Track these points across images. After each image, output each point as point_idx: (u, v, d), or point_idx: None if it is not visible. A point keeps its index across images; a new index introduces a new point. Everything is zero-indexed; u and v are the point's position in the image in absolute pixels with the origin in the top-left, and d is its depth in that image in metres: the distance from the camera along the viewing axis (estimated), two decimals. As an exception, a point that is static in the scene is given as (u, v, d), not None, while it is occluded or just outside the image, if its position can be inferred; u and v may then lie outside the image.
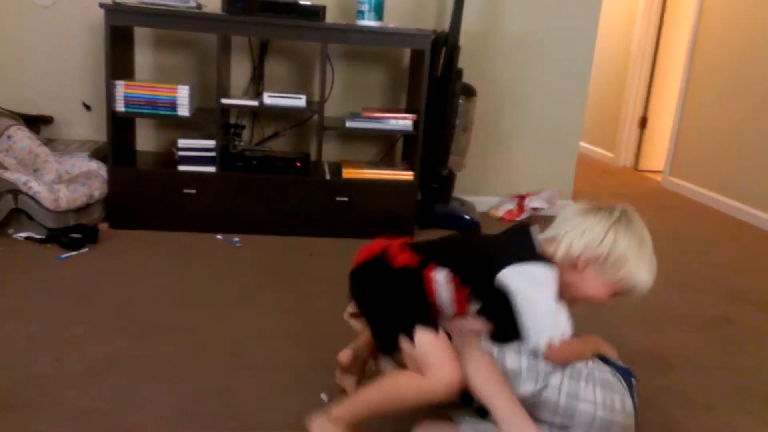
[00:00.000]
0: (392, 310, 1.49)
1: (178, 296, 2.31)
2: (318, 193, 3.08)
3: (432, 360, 1.39)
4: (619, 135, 5.76)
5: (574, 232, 1.47)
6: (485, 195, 3.77)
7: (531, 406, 1.43)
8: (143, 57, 3.29)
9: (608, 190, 4.77)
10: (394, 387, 1.45)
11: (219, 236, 2.97)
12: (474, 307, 1.50)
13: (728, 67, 4.36)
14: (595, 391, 1.45)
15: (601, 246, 1.45)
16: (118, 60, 2.95)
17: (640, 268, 1.48)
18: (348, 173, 3.11)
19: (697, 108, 4.68)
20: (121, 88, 2.90)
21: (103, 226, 2.95)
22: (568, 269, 1.48)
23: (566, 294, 1.48)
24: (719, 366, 2.09)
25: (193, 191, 2.98)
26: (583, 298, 1.51)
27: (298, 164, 3.09)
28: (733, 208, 4.21)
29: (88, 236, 2.74)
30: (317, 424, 1.47)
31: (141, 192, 2.98)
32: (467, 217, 3.38)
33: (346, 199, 3.06)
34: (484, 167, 3.74)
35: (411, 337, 1.42)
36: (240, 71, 3.37)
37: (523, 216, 3.63)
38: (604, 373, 1.49)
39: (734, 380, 1.99)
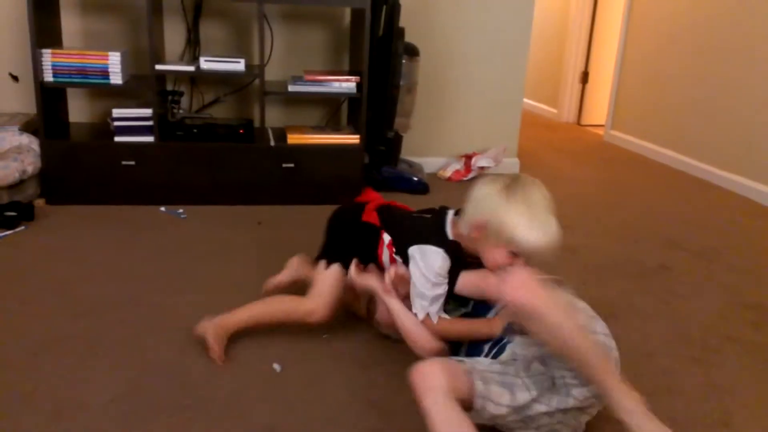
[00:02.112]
0: (338, 245, 1.88)
1: (122, 272, 2.26)
2: (263, 160, 3.02)
3: (316, 290, 1.81)
4: (561, 91, 5.83)
5: (470, 204, 1.61)
6: (432, 156, 3.78)
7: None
8: (70, 23, 3.13)
9: (552, 145, 4.85)
10: (274, 303, 1.84)
11: (162, 208, 2.90)
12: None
13: (664, 22, 4.43)
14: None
15: (484, 213, 1.55)
16: (44, 27, 2.80)
17: (522, 230, 1.51)
18: (293, 139, 3.06)
19: (636, 62, 4.76)
20: (48, 56, 2.76)
21: (39, 203, 2.84)
22: (473, 240, 1.60)
23: (484, 261, 1.61)
24: (658, 313, 2.17)
25: (132, 162, 2.89)
26: (492, 266, 1.59)
27: (242, 131, 3.02)
28: (670, 159, 4.34)
29: (24, 214, 2.64)
30: (207, 327, 1.76)
31: (77, 165, 2.87)
32: (415, 178, 3.39)
33: (292, 165, 3.02)
34: (429, 128, 3.74)
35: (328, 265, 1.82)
36: (174, 35, 3.25)
37: (471, 175, 3.66)
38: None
39: (673, 327, 2.08)
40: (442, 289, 1.65)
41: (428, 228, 1.71)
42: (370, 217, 1.84)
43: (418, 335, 1.64)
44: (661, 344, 1.96)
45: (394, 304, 1.69)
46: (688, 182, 3.97)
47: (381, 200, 1.94)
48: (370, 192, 1.99)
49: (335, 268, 1.83)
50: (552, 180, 3.87)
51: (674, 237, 2.93)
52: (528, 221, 1.52)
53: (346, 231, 1.91)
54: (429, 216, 1.77)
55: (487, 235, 1.56)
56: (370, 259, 1.84)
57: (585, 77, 5.67)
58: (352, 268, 1.79)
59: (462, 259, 1.66)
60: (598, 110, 5.62)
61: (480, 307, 1.68)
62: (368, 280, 1.76)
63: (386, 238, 1.79)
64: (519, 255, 1.55)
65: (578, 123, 5.77)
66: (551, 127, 5.60)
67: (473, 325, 1.65)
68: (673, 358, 1.88)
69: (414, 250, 1.66)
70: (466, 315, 1.72)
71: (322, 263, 1.85)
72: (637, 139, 4.73)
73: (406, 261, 1.70)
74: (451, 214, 1.72)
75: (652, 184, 3.91)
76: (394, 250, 1.76)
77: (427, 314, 1.64)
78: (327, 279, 1.83)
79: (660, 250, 2.77)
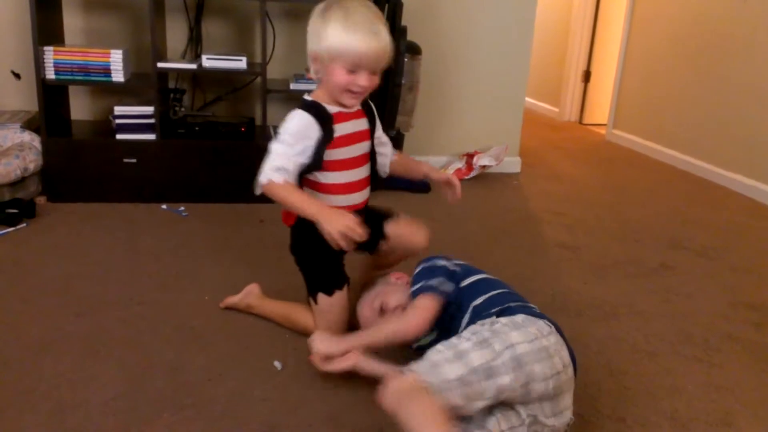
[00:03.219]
0: (305, 272, 1.82)
1: (123, 270, 2.26)
2: (265, 158, 3.01)
3: (318, 323, 1.78)
4: (563, 90, 5.82)
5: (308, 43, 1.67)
6: (434, 154, 3.77)
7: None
8: (72, 20, 3.13)
9: (553, 144, 4.84)
10: (293, 318, 1.86)
11: (164, 206, 2.90)
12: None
13: (667, 21, 4.42)
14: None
15: (312, 41, 1.65)
16: (46, 24, 2.79)
17: (337, 34, 1.58)
18: (294, 137, 3.05)
19: (638, 61, 4.75)
20: (50, 54, 2.76)
21: (41, 200, 2.84)
22: (316, 77, 1.68)
23: (332, 92, 1.67)
24: (660, 312, 2.17)
25: (134, 160, 2.89)
26: (337, 88, 1.64)
27: (243, 129, 3.02)
28: (673, 158, 4.33)
29: (25, 211, 2.64)
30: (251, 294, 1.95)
31: (78, 163, 2.87)
32: (416, 176, 3.38)
33: (293, 163, 3.01)
34: (431, 126, 3.73)
35: (315, 298, 1.78)
36: (176, 33, 3.24)
37: (473, 174, 3.66)
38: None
39: (675, 326, 2.07)
40: (294, 151, 1.63)
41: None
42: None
43: (397, 331, 1.57)
44: (663, 344, 1.95)
45: (370, 365, 1.57)
46: (690, 182, 3.96)
47: None
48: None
49: (335, 297, 1.76)
50: (553, 179, 3.86)
51: (676, 236, 2.93)
52: (342, 26, 1.57)
53: (302, 260, 1.82)
54: None
55: (319, 59, 1.62)
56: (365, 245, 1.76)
57: (587, 76, 5.66)
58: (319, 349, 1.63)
59: (325, 112, 1.67)
60: (600, 109, 5.60)
61: (453, 320, 1.60)
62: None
63: None
64: (352, 67, 1.59)
65: (580, 122, 5.77)
66: (553, 126, 5.59)
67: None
68: (675, 358, 1.88)
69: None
70: (432, 342, 1.59)
71: (320, 297, 1.77)
72: (639, 139, 4.72)
73: None
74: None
75: (654, 183, 3.90)
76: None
77: (270, 179, 1.61)
78: (329, 311, 1.77)
79: (662, 249, 2.76)
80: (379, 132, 1.86)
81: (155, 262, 2.33)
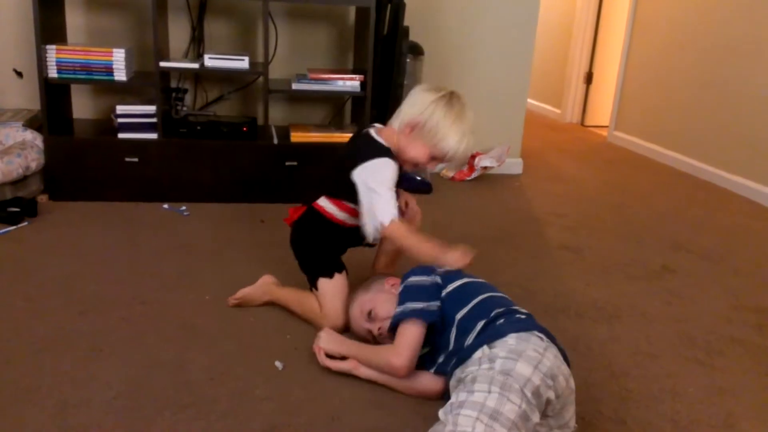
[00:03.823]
0: (304, 262, 1.94)
1: (125, 269, 2.26)
2: (266, 158, 3.02)
3: (326, 307, 1.86)
4: (565, 91, 5.82)
5: (407, 104, 1.80)
6: (435, 155, 3.77)
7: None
8: (75, 19, 3.13)
9: (555, 145, 4.84)
10: (305, 303, 1.93)
11: (165, 205, 2.90)
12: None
13: (670, 23, 4.42)
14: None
15: (422, 114, 1.74)
16: (48, 23, 2.80)
17: (450, 137, 1.74)
18: (296, 137, 3.06)
19: (641, 63, 4.75)
20: (52, 52, 2.76)
21: (42, 199, 2.84)
22: (401, 136, 1.79)
23: (402, 155, 1.79)
24: (662, 315, 2.16)
25: (135, 159, 2.89)
26: (410, 160, 1.79)
27: (245, 129, 3.02)
28: (675, 160, 4.33)
29: (27, 209, 2.64)
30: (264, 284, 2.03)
31: (80, 162, 2.87)
32: (418, 178, 3.38)
33: (295, 163, 3.02)
34: (433, 127, 3.72)
35: (315, 284, 1.88)
36: (178, 32, 3.24)
37: (474, 175, 3.66)
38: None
39: (677, 328, 2.07)
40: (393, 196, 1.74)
41: (361, 150, 1.80)
42: (293, 213, 1.93)
43: (385, 369, 1.60)
44: (665, 346, 1.95)
45: (373, 375, 1.64)
46: (692, 184, 3.96)
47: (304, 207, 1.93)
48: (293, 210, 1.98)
49: (336, 278, 1.87)
50: (555, 180, 3.86)
51: (678, 239, 2.93)
52: (460, 135, 1.74)
53: (299, 248, 1.94)
54: (352, 143, 1.91)
55: (419, 134, 1.75)
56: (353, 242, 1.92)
57: (589, 78, 5.66)
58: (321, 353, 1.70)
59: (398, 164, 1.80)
60: (602, 111, 5.60)
61: (441, 336, 1.59)
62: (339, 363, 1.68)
63: (321, 202, 1.85)
64: (437, 158, 1.78)
65: (582, 124, 5.76)
66: (555, 128, 5.59)
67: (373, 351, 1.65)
68: (677, 360, 1.88)
69: (359, 172, 1.74)
70: (424, 356, 1.64)
71: (321, 281, 1.87)
72: (641, 141, 4.72)
73: (348, 193, 1.76)
74: (373, 128, 1.87)
75: (656, 185, 3.90)
76: (334, 197, 1.83)
77: (392, 218, 1.69)
78: (331, 293, 1.86)
79: (664, 252, 2.76)
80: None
81: (157, 261, 2.33)
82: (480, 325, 1.50)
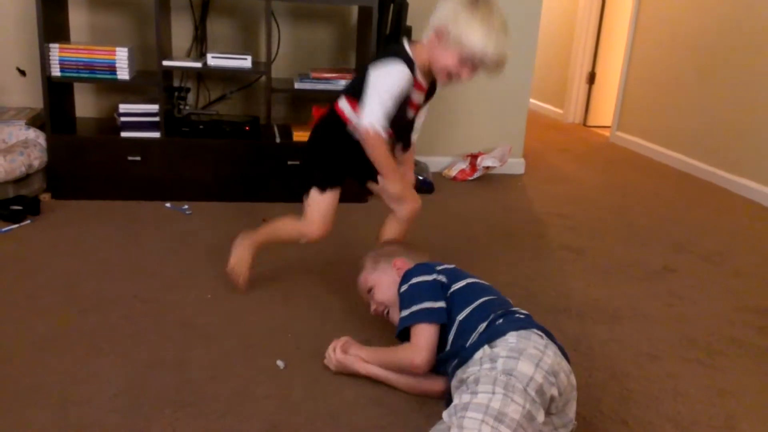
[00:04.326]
0: (308, 166, 2.00)
1: (126, 267, 2.26)
2: (269, 157, 3.02)
3: (307, 214, 1.94)
4: (568, 92, 5.82)
5: (434, 16, 1.78)
6: (438, 155, 3.78)
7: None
8: (78, 18, 3.13)
9: (557, 146, 4.84)
10: (281, 224, 2.03)
11: (167, 204, 2.90)
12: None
13: (672, 24, 4.42)
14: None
15: (445, 18, 1.71)
16: (52, 22, 2.80)
17: (475, 34, 1.68)
18: (299, 136, 3.06)
19: (643, 64, 4.75)
20: (56, 51, 2.77)
21: (45, 197, 2.85)
22: (430, 47, 1.77)
23: (434, 67, 1.78)
24: (664, 316, 2.16)
25: (138, 158, 2.89)
26: (441, 69, 1.76)
27: (247, 128, 3.02)
28: (677, 161, 4.33)
29: (30, 208, 2.64)
30: (237, 244, 2.07)
31: (83, 160, 2.88)
32: (420, 177, 3.38)
33: (297, 162, 3.02)
34: (436, 127, 3.73)
35: (308, 192, 1.94)
36: (181, 31, 3.25)
37: (476, 175, 3.66)
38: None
39: (678, 329, 2.07)
40: (393, 104, 1.75)
41: (385, 52, 1.82)
42: (317, 113, 2.01)
43: (404, 368, 1.58)
44: (667, 347, 1.95)
45: (375, 371, 1.63)
46: (694, 185, 3.95)
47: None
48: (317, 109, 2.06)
49: (326, 194, 1.93)
50: (557, 181, 3.86)
51: (680, 240, 2.92)
52: (486, 33, 1.67)
53: (327, 149, 1.97)
54: (383, 47, 1.92)
55: (446, 40, 1.71)
56: (364, 173, 1.96)
57: (592, 78, 5.66)
58: (334, 352, 1.68)
59: (412, 76, 1.79)
60: (605, 111, 5.60)
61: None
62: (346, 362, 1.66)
63: (340, 103, 1.88)
64: (467, 62, 1.71)
65: (584, 124, 5.76)
66: (557, 128, 5.59)
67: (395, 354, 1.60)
68: (678, 361, 1.87)
69: (371, 71, 1.76)
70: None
71: (313, 192, 1.93)
72: (644, 141, 4.72)
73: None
74: (407, 40, 1.86)
75: (658, 186, 3.90)
76: (352, 98, 1.84)
77: (374, 123, 1.73)
78: (317, 205, 1.93)
79: (665, 252, 2.76)
80: (425, 109, 2.00)
81: (158, 260, 2.33)
82: (481, 327, 1.49)
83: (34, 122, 2.95)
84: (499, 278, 2.33)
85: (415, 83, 1.82)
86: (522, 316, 1.52)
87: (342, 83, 3.05)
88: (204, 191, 2.98)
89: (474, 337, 1.48)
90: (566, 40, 5.79)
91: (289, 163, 3.01)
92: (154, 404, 1.52)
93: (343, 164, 1.98)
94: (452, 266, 1.70)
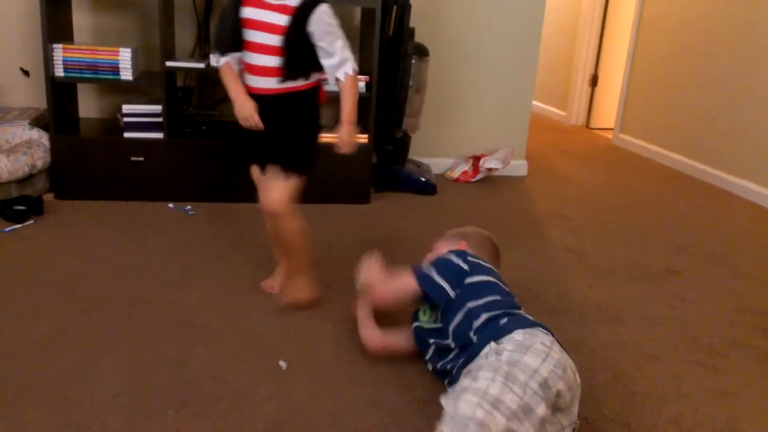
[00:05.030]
0: (304, 142, 2.00)
1: (129, 267, 2.26)
2: (271, 157, 3.02)
3: (289, 201, 1.93)
4: (570, 94, 5.81)
5: None
6: (441, 156, 3.77)
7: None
8: (81, 18, 3.14)
9: (560, 147, 4.84)
10: (294, 240, 1.98)
11: (170, 205, 2.90)
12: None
13: (675, 26, 4.41)
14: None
15: None
16: (55, 22, 2.81)
17: None
18: (301, 137, 3.05)
19: (646, 66, 4.74)
20: (59, 51, 2.78)
21: (48, 197, 2.85)
22: None
23: None
24: (665, 317, 2.16)
25: (141, 159, 2.90)
26: None
27: (250, 129, 3.02)
28: (679, 163, 4.32)
29: (33, 208, 2.65)
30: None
31: (86, 161, 2.88)
32: (423, 179, 3.39)
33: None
34: (438, 128, 3.73)
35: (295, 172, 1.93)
36: (185, 32, 3.26)
37: (479, 176, 3.66)
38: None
39: (680, 331, 2.07)
40: (225, 24, 1.87)
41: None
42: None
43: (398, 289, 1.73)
44: (669, 349, 1.95)
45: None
46: (696, 187, 3.95)
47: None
48: None
49: (301, 182, 1.94)
50: (559, 182, 3.86)
51: (682, 241, 2.92)
52: None
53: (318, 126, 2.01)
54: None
55: None
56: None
57: (594, 80, 5.65)
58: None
59: None
60: (607, 113, 5.59)
61: (447, 312, 1.63)
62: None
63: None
64: None
65: (587, 126, 5.76)
66: (560, 130, 5.59)
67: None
68: (681, 363, 1.87)
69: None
70: (431, 330, 1.68)
71: (299, 178, 1.94)
72: (646, 143, 4.71)
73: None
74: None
75: (661, 188, 3.89)
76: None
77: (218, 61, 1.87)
78: (292, 191, 1.92)
79: (668, 254, 2.75)
80: (325, 43, 1.86)
81: (161, 260, 2.34)
82: (484, 317, 1.52)
83: (38, 122, 2.96)
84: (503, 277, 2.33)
85: (247, 1, 1.84)
86: (529, 318, 1.53)
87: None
88: (207, 192, 2.98)
89: (477, 323, 1.51)
90: (569, 43, 5.79)
91: (292, 163, 3.01)
92: (157, 404, 1.52)
93: None
94: (489, 267, 1.74)
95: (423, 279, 1.67)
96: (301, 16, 1.81)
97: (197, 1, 3.22)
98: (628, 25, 5.16)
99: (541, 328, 1.46)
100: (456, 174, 3.69)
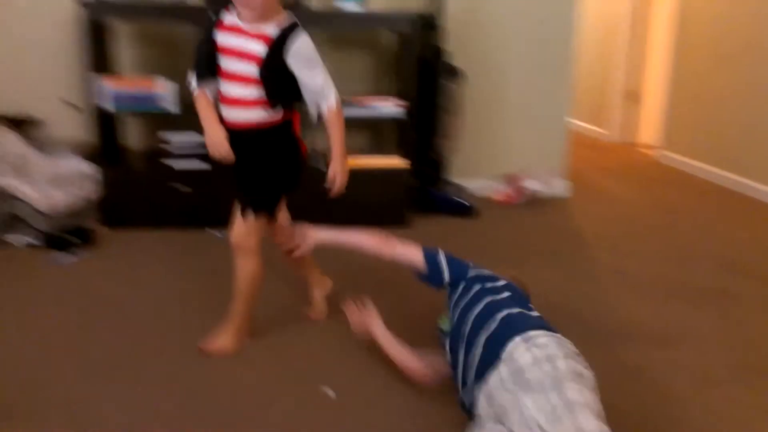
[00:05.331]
0: (271, 177, 1.92)
1: (178, 294, 2.30)
2: (311, 183, 3.04)
3: (250, 239, 1.87)
4: (610, 111, 5.75)
5: None
6: (479, 177, 3.76)
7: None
8: (126, 52, 3.25)
9: (602, 166, 4.77)
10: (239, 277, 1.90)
11: (217, 233, 2.95)
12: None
13: (716, 40, 4.33)
14: None
15: None
16: (100, 55, 2.91)
17: None
18: (341, 162, 3.08)
19: (687, 81, 4.66)
20: (106, 84, 2.87)
21: (98, 227, 2.93)
22: None
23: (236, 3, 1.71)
24: (719, 339, 2.09)
25: (188, 188, 2.96)
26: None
27: (291, 156, 3.06)
28: (726, 180, 4.21)
29: (84, 238, 2.73)
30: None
31: (134, 191, 2.96)
32: (462, 201, 3.38)
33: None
34: (476, 149, 3.72)
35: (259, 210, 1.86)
36: (227, 64, 3.33)
37: (521, 200, 3.62)
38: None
39: (734, 354, 1.99)
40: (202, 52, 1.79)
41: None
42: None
43: (410, 366, 1.70)
44: (722, 372, 1.88)
45: (383, 340, 1.76)
46: (744, 204, 3.84)
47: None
48: None
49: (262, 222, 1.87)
50: (603, 201, 3.80)
51: (730, 260, 2.83)
52: None
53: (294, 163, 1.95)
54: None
55: None
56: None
57: (634, 96, 5.58)
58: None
59: (217, 19, 1.78)
60: (649, 130, 5.51)
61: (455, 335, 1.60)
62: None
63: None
64: None
65: (628, 143, 5.67)
66: (601, 148, 5.51)
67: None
68: (736, 387, 1.80)
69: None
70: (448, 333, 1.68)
71: (262, 215, 1.87)
72: (691, 160, 4.61)
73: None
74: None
75: (707, 205, 3.79)
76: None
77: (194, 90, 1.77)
78: (257, 230, 1.86)
79: (716, 273, 2.67)
80: (304, 75, 1.77)
81: (207, 287, 2.37)
82: (478, 309, 1.54)
83: (87, 154, 3.06)
84: (547, 302, 2.29)
85: (223, 25, 1.77)
86: (515, 313, 1.50)
87: (382, 109, 3.08)
88: (249, 218, 3.02)
89: (471, 319, 1.51)
90: (606, 60, 5.74)
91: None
92: (205, 428, 1.53)
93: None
94: (488, 273, 1.73)
95: (429, 257, 1.75)
96: (279, 46, 1.72)
97: (238, 33, 3.30)
98: (666, 39, 5.09)
99: (542, 329, 1.43)
100: (497, 195, 3.66)
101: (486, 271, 1.73)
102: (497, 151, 3.76)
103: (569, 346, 1.40)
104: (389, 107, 3.08)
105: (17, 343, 1.93)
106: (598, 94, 5.88)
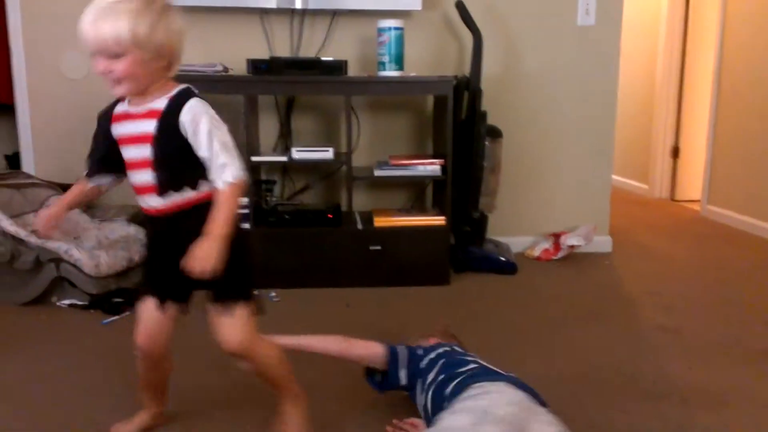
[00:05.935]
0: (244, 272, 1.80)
1: (222, 356, 2.31)
2: (351, 243, 3.09)
3: (246, 335, 1.74)
4: (652, 166, 5.69)
5: None
6: (519, 235, 3.74)
7: None
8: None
9: (645, 222, 4.69)
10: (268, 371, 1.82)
11: (256, 292, 2.98)
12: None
13: (755, 91, 4.29)
14: None
15: None
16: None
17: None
18: (379, 222, 3.12)
19: (729, 134, 4.60)
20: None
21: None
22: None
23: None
24: (776, 400, 1.99)
25: (228, 249, 3.01)
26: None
27: (330, 216, 3.11)
28: (777, 233, 4.09)
29: (130, 300, 2.78)
30: None
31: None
32: (503, 258, 3.35)
33: (379, 247, 3.07)
34: (516, 207, 3.72)
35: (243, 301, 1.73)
36: (268, 128, 3.45)
37: (560, 254, 3.58)
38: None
39: (794, 415, 1.90)
40: (94, 143, 1.67)
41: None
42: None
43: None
44: (783, 435, 1.79)
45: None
46: (798, 257, 3.71)
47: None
48: None
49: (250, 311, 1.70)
50: (647, 258, 3.72)
51: (788, 316, 2.72)
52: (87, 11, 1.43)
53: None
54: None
55: None
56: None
57: (676, 152, 5.52)
58: None
59: (108, 112, 1.64)
60: (692, 185, 5.41)
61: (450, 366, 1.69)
62: None
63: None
64: (92, 53, 1.45)
65: (672, 199, 5.58)
66: (643, 204, 5.44)
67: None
68: (798, 452, 1.71)
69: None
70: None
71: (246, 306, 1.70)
72: (736, 213, 4.50)
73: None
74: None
75: (756, 260, 3.68)
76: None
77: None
78: (251, 325, 1.71)
79: (772, 331, 2.57)
80: (198, 145, 1.52)
81: (247, 347, 2.38)
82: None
83: (135, 219, 3.16)
84: (592, 361, 2.24)
85: (116, 117, 1.61)
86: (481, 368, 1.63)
87: (420, 168, 3.13)
88: (290, 278, 3.05)
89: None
90: (647, 115, 5.72)
91: (371, 248, 3.06)
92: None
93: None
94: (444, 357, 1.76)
95: (391, 357, 1.81)
96: (169, 117, 1.50)
97: (280, 100, 3.42)
98: (706, 91, 5.06)
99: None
100: (537, 252, 3.63)
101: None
102: (538, 208, 3.75)
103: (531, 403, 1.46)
104: (426, 167, 3.13)
105: (57, 403, 1.97)
106: (641, 150, 5.84)
